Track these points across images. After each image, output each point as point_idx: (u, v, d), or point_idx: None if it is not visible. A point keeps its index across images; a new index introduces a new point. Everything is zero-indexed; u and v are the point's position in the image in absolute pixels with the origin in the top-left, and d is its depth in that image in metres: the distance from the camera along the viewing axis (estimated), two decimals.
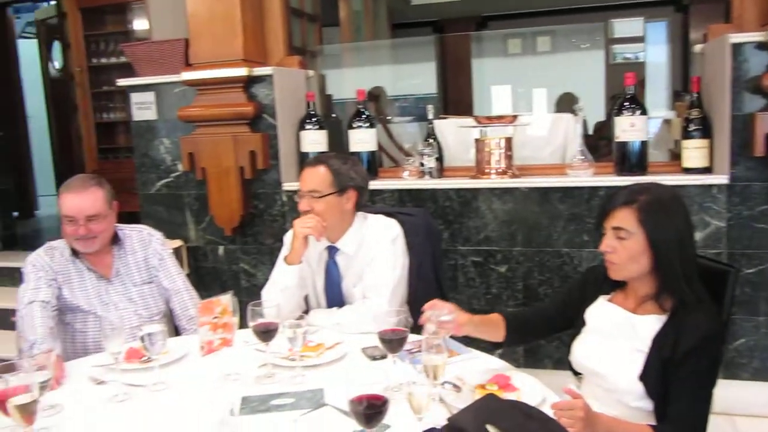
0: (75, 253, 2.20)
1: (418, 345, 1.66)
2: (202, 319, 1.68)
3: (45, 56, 6.70)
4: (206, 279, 3.64)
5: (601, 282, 1.72)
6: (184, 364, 1.88)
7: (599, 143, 4.17)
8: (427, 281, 2.43)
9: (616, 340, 1.64)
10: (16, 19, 7.20)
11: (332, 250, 2.20)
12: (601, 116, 5.02)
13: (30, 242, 4.73)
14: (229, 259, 3.62)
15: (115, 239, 2.26)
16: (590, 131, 4.65)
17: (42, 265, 2.17)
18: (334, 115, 4.15)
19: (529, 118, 3.46)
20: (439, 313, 1.69)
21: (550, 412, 1.34)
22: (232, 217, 3.47)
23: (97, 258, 2.22)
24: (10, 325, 3.89)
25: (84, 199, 2.10)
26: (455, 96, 6.68)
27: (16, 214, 5.78)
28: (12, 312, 3.88)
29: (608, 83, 6.04)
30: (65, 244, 2.22)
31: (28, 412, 1.28)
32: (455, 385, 1.58)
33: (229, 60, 3.34)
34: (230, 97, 3.38)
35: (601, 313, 1.71)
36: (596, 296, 1.74)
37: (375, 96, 4.76)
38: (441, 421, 1.33)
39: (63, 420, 1.52)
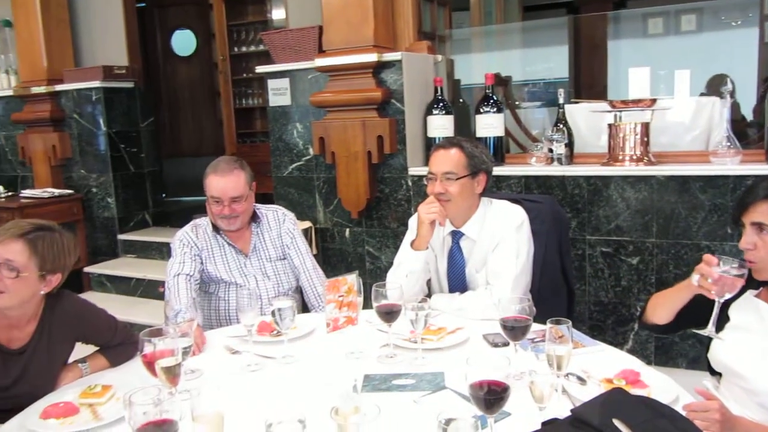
0: (216, 229, 2.35)
1: (542, 334, 1.63)
2: (329, 296, 1.74)
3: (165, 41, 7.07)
4: (332, 260, 3.76)
5: (748, 276, 1.59)
6: (311, 339, 1.96)
7: (747, 129, 3.85)
8: (552, 270, 2.37)
9: (763, 339, 1.51)
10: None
11: (456, 235, 2.20)
12: (754, 100, 4.62)
13: (175, 220, 5.11)
14: (355, 242, 3.72)
15: (254, 217, 2.40)
16: (748, 116, 4.30)
17: (187, 241, 2.34)
18: (461, 101, 4.12)
19: (669, 102, 3.25)
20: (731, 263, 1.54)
21: (683, 413, 1.27)
22: (358, 200, 3.56)
23: (237, 234, 2.36)
24: (159, 295, 4.28)
25: (228, 181, 2.24)
26: (588, 80, 6.40)
27: (164, 194, 6.27)
28: (161, 283, 4.26)
29: (762, 64, 5.53)
30: (208, 221, 2.38)
31: (172, 373, 1.40)
32: (580, 378, 1.54)
33: (360, 46, 3.41)
34: (360, 83, 3.45)
35: (747, 309, 1.59)
36: (743, 291, 1.61)
37: (503, 80, 4.67)
38: (563, 413, 1.30)
39: (202, 384, 1.64)
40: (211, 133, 6.63)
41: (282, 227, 2.43)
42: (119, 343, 1.88)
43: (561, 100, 3.31)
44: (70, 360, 1.84)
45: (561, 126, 3.23)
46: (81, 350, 1.88)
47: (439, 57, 3.71)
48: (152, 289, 4.34)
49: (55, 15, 4.86)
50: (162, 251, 4.65)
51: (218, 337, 2.02)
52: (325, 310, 1.78)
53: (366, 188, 3.52)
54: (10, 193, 4.88)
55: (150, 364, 1.43)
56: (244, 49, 6.30)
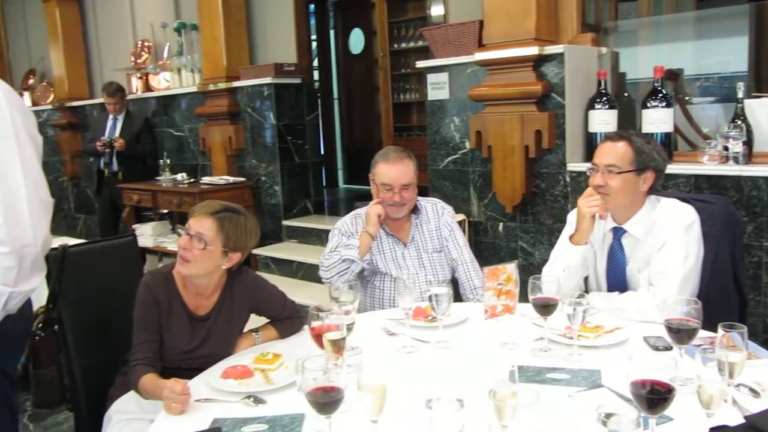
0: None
1: (710, 341, 1.54)
2: (488, 284, 1.77)
3: (342, 42, 7.41)
4: (485, 254, 3.77)
5: None
6: (465, 327, 2.00)
7: None
8: (722, 276, 2.21)
9: None
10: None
11: (618, 232, 2.13)
12: None
13: (334, 209, 5.39)
14: (509, 236, 3.70)
15: (414, 209, 2.47)
16: None
17: (346, 231, 2.45)
18: (626, 95, 3.94)
19: None
20: None
21: None
22: (514, 195, 3.54)
23: (397, 224, 2.45)
24: (318, 278, 4.52)
25: (399, 169, 2.34)
26: None
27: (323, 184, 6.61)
28: (317, 266, 4.51)
29: None
30: None
31: (338, 346, 1.51)
32: (753, 390, 1.44)
33: (521, 39, 3.38)
34: (520, 77, 3.42)
35: None
36: None
37: (674, 74, 4.39)
38: (733, 421, 1.23)
39: (362, 360, 1.74)
40: (371, 126, 6.88)
41: (441, 219, 2.49)
42: (287, 317, 2.04)
43: (740, 95, 3.07)
44: (245, 330, 2.03)
45: (739, 122, 2.99)
46: (253, 322, 2.07)
47: (604, 50, 3.58)
48: (312, 272, 4.61)
49: (234, 17, 5.29)
50: (321, 237, 4.92)
51: (377, 319, 2.12)
52: (483, 297, 1.81)
53: (522, 183, 3.49)
54: (192, 180, 5.40)
55: (318, 337, 1.55)
56: (403, 45, 6.46)
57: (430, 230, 2.48)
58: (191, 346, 1.91)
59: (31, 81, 7.97)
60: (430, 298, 1.81)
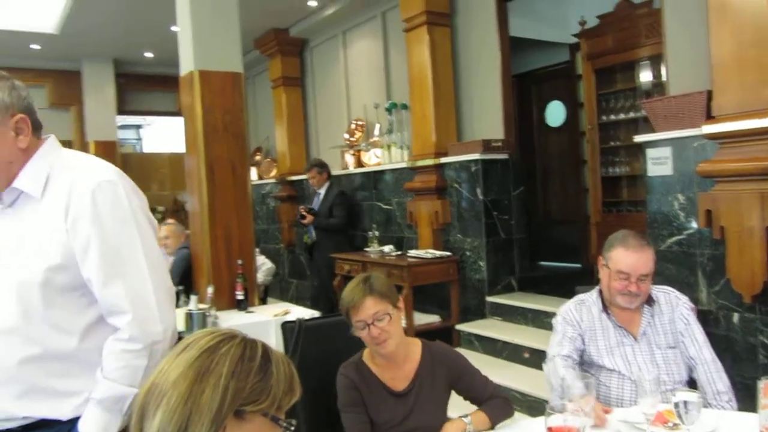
0: (605, 307, 2.30)
1: None
2: (763, 401, 1.55)
3: (538, 114, 7.33)
4: (715, 348, 3.35)
5: None
6: None
7: None
8: None
9: None
10: None
11: None
12: None
13: (540, 287, 5.21)
14: (746, 329, 3.28)
15: (648, 299, 2.27)
16: None
17: (570, 320, 2.31)
18: None
19: None
20: None
21: None
22: (753, 282, 3.16)
23: (627, 316, 2.26)
24: (523, 360, 4.38)
25: (640, 258, 2.18)
26: None
27: (534, 260, 6.48)
28: (525, 348, 4.36)
29: None
30: (596, 298, 2.33)
31: None
32: None
33: (759, 110, 3.08)
34: (758, 150, 3.10)
35: None
36: None
37: None
38: None
39: None
40: (575, 200, 6.65)
41: (675, 311, 2.26)
42: (490, 396, 1.99)
43: None
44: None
45: None
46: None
47: None
48: (517, 354, 4.46)
49: (443, 96, 5.50)
50: (526, 316, 4.77)
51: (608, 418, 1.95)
52: (759, 414, 1.58)
53: (763, 269, 3.10)
54: (398, 252, 5.58)
55: None
56: (612, 117, 6.23)
57: (663, 323, 2.25)
58: (398, 420, 1.94)
59: (257, 157, 8.90)
60: (676, 405, 1.63)
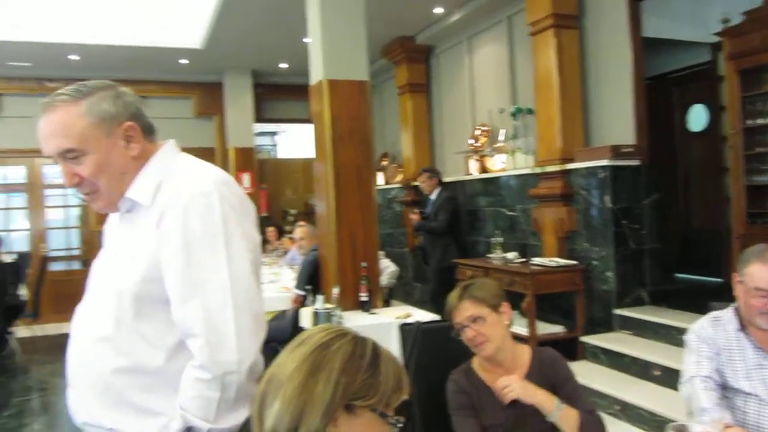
0: (743, 327, 2.15)
1: None
2: None
3: (680, 119, 6.91)
4: None
5: None
6: None
7: None
8: None
9: None
10: None
11: None
12: None
13: (673, 301, 4.93)
14: None
15: None
16: None
17: (705, 338, 2.17)
18: None
19: None
20: None
21: None
22: None
23: (766, 337, 2.11)
24: (653, 377, 4.16)
25: None
26: None
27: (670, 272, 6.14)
28: (656, 366, 4.14)
29: None
30: (732, 316, 2.18)
31: None
32: None
33: None
34: None
35: None
36: None
37: None
38: None
39: None
40: (717, 210, 6.23)
41: None
42: (588, 412, 1.95)
43: None
44: None
45: None
46: None
47: None
48: (647, 370, 4.25)
49: (570, 100, 5.35)
50: (658, 332, 4.53)
51: None
52: None
53: None
54: (522, 260, 5.49)
55: None
56: (758, 121, 5.76)
57: None
58: (507, 427, 1.97)
59: (384, 162, 9.10)
60: None
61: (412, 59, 7.95)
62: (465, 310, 2.03)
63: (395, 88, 8.37)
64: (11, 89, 8.68)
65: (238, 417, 1.41)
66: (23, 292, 7.20)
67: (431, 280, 6.70)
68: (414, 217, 6.73)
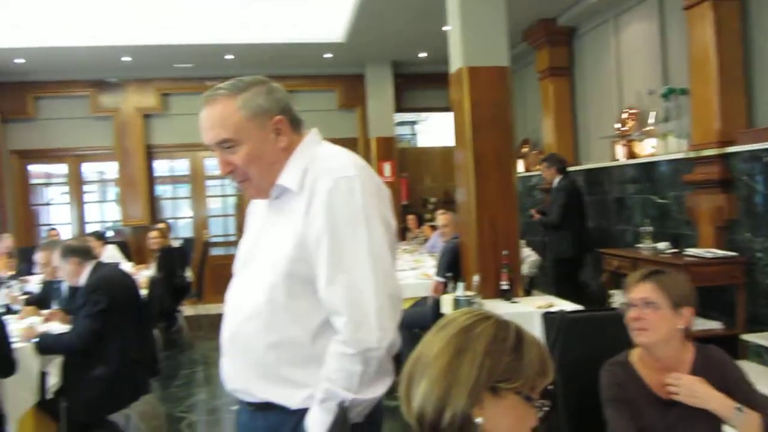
0: None
1: None
2: None
3: None
4: None
5: None
6: None
7: None
8: None
9: None
10: None
11: None
12: None
13: None
14: None
15: None
16: None
17: None
18: None
19: None
20: None
21: None
22: None
23: None
24: None
25: None
26: None
27: None
28: None
29: None
30: None
31: None
32: None
33: None
34: None
35: None
36: None
37: None
38: None
39: None
40: None
41: None
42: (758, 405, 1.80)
43: None
44: None
45: None
46: None
47: None
48: None
49: (730, 78, 4.93)
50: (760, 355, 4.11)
51: None
52: None
53: None
54: (675, 250, 5.17)
55: None
56: None
57: None
58: (661, 430, 1.84)
59: (524, 150, 8.92)
60: None
61: (553, 42, 7.71)
62: (642, 291, 1.90)
63: (536, 73, 8.16)
64: (176, 89, 9.55)
65: (378, 390, 1.52)
66: (188, 274, 7.89)
67: (548, 273, 6.50)
68: (535, 216, 6.60)
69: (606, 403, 1.93)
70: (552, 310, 3.38)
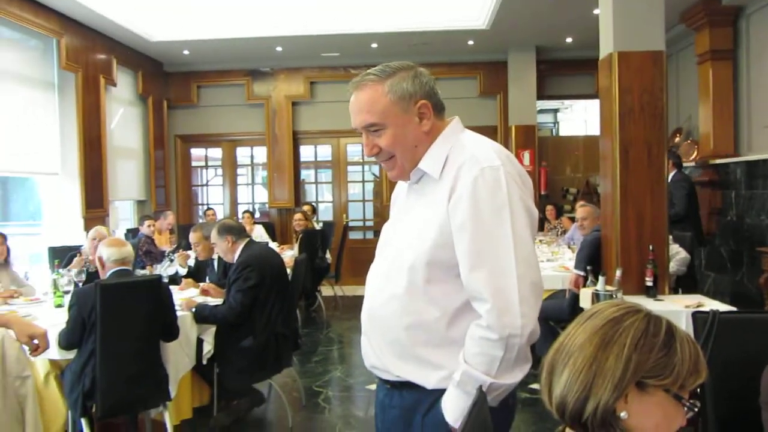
0: None
1: None
2: None
3: None
4: None
5: None
6: None
7: None
8: None
9: None
10: None
11: None
12: None
13: None
14: None
15: None
16: None
17: None
18: None
19: None
20: None
21: None
22: None
23: None
24: None
25: None
26: None
27: None
28: None
29: None
30: None
31: None
32: None
33: None
34: None
35: None
36: None
37: None
38: None
39: None
40: None
41: None
42: None
43: None
44: None
45: None
46: None
47: None
48: None
49: None
50: None
51: None
52: None
53: None
54: None
55: None
56: None
57: None
58: None
59: (676, 139, 8.36)
60: None
61: (715, 23, 7.12)
62: None
63: (694, 57, 7.59)
64: (322, 77, 9.94)
65: (516, 376, 1.54)
66: (328, 256, 8.23)
67: None
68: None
69: (764, 407, 1.79)
70: (702, 309, 3.17)
